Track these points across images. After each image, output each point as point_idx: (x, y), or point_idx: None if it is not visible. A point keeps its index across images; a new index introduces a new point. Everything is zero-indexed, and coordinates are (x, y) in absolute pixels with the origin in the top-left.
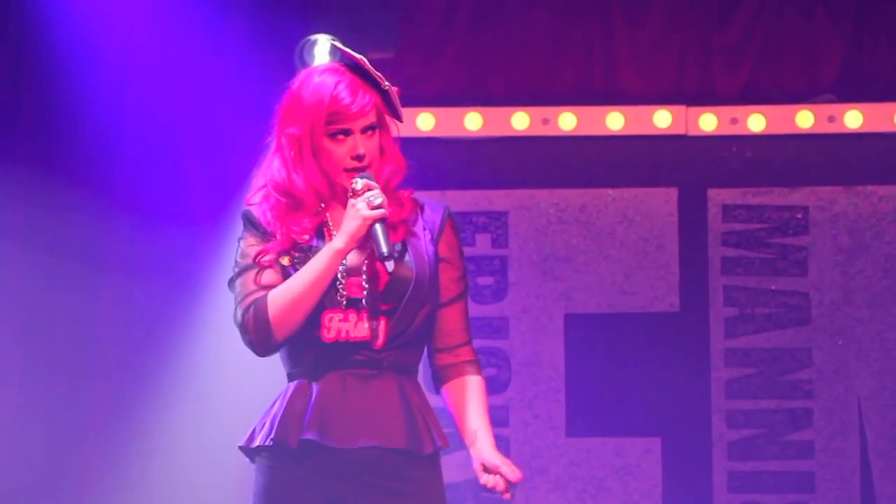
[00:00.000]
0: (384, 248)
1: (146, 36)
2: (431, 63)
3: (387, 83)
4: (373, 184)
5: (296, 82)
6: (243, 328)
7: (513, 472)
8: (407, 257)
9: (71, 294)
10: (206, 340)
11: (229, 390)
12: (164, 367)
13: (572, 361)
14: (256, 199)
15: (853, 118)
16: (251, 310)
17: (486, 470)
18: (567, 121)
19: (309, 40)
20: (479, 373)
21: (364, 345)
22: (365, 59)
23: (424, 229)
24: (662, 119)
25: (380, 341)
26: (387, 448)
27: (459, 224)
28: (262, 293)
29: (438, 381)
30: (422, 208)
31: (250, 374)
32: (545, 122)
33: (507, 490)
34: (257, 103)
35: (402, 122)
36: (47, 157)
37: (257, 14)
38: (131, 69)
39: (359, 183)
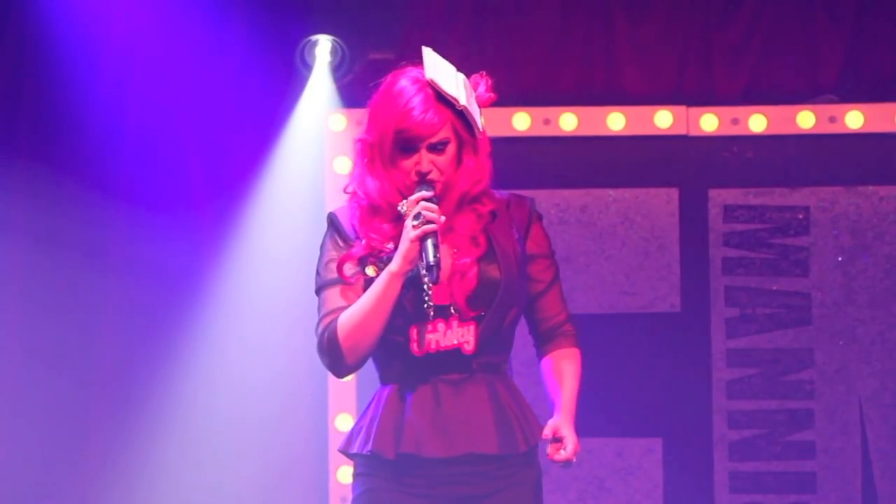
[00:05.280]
0: (428, 260)
1: (147, 33)
2: None
3: (462, 103)
4: (426, 193)
5: (384, 83)
6: (319, 350)
7: (567, 451)
8: (495, 261)
9: (72, 291)
10: (207, 338)
11: (230, 387)
12: (165, 365)
13: None
14: (350, 188)
15: (854, 118)
16: (326, 333)
17: (554, 438)
18: (568, 121)
19: (310, 40)
20: (573, 345)
21: (455, 353)
22: (439, 80)
23: (510, 227)
24: (663, 119)
25: (471, 348)
26: (481, 454)
27: (541, 214)
28: (339, 314)
29: (539, 356)
30: (507, 205)
31: (251, 372)
32: (546, 122)
33: (562, 462)
34: (258, 103)
35: (475, 137)
36: (48, 155)
37: (258, 14)
38: (132, 68)
39: (404, 205)
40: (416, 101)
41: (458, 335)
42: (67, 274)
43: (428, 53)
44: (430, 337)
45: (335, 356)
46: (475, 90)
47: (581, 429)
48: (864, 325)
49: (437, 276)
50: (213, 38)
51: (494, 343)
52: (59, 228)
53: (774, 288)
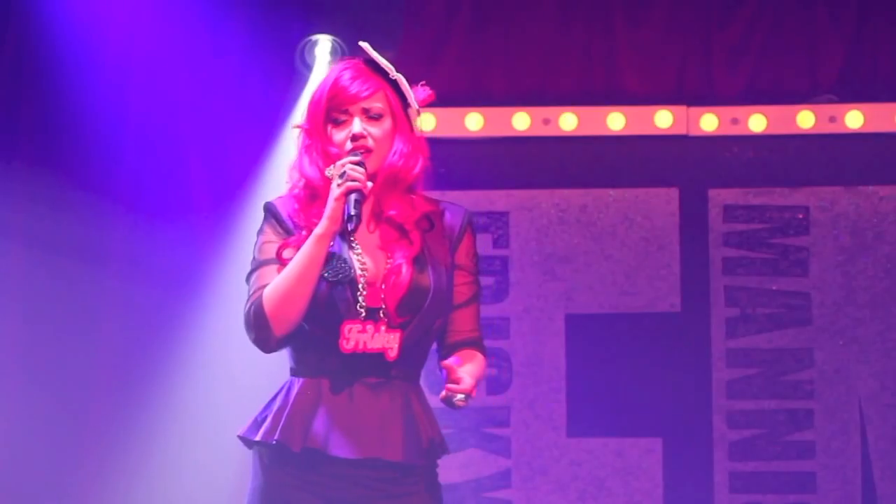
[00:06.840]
0: (349, 211)
1: (147, 34)
2: (432, 63)
3: (395, 74)
4: (353, 158)
5: None
6: (246, 325)
7: (465, 384)
8: (427, 269)
9: (72, 292)
10: (206, 338)
11: (230, 388)
12: (165, 365)
13: (573, 362)
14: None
15: (854, 118)
16: (252, 306)
17: (450, 379)
18: (568, 121)
19: (310, 40)
20: (483, 353)
21: (377, 357)
22: (372, 51)
23: (444, 236)
24: (663, 119)
25: (394, 355)
26: (385, 460)
27: (476, 227)
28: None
29: (443, 358)
30: (442, 213)
31: (251, 372)
32: (546, 122)
33: (459, 394)
34: (258, 103)
35: (410, 123)
36: (48, 156)
37: (258, 14)
38: (132, 69)
39: (332, 169)
40: (348, 72)
41: (385, 340)
42: (68, 275)
43: (365, 44)
44: (359, 337)
45: (261, 327)
46: (413, 93)
47: (581, 429)
48: (863, 325)
49: (356, 228)
50: (213, 38)
51: (415, 353)
52: (59, 231)
53: (774, 288)
